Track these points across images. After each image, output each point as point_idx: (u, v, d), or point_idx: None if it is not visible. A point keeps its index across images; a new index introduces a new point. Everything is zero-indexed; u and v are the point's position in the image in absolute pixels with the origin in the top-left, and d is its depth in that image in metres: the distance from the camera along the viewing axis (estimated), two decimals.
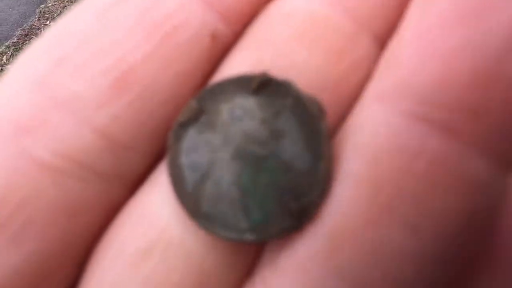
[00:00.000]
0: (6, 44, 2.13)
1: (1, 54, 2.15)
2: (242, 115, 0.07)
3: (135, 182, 0.08)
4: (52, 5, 2.31)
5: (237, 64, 0.08)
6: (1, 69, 2.01)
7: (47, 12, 2.28)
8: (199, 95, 0.08)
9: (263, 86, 0.07)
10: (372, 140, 0.06)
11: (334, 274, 0.06)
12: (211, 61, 0.08)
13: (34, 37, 2.16)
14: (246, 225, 0.07)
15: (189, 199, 0.07)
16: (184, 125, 0.07)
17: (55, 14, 2.24)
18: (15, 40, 2.17)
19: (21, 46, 2.12)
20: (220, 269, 0.07)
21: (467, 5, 0.06)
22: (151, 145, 0.07)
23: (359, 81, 0.07)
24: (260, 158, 0.07)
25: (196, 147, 0.08)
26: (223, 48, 0.08)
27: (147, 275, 0.07)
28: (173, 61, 0.07)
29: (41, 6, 2.30)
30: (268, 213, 0.07)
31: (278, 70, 0.07)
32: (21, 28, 2.23)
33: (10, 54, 2.12)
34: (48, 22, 2.23)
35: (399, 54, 0.07)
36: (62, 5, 2.28)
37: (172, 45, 0.07)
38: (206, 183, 0.07)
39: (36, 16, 2.27)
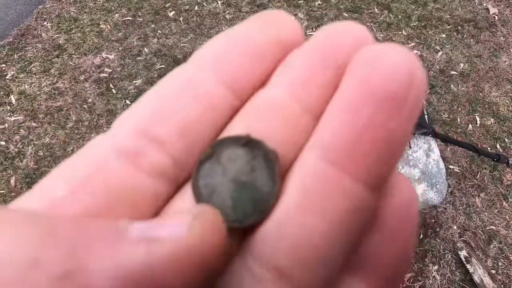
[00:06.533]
0: (1, 43, 2.03)
1: None
2: (235, 158, 0.13)
3: (180, 185, 0.13)
4: (50, 6, 2.24)
5: (235, 128, 0.13)
6: None
7: (45, 13, 2.23)
8: (212, 144, 0.13)
9: (248, 142, 0.13)
10: (302, 172, 0.12)
11: (282, 239, 0.12)
12: (226, 119, 0.14)
13: (30, 37, 2.12)
14: (234, 218, 0.13)
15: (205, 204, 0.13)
16: (202, 162, 0.13)
17: (53, 15, 2.18)
18: (11, 39, 2.09)
19: (17, 45, 2.09)
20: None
21: (351, 104, 0.12)
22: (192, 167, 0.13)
23: (303, 140, 0.13)
24: (244, 182, 0.13)
25: (208, 175, 0.13)
26: (233, 112, 0.14)
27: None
28: (207, 120, 0.13)
29: (39, 6, 2.21)
30: (247, 212, 0.13)
31: (257, 133, 0.13)
32: (17, 28, 2.16)
33: (5, 53, 2.09)
34: (45, 23, 2.19)
35: (320, 126, 0.13)
36: (60, 6, 2.24)
37: (205, 110, 0.13)
38: (213, 195, 0.13)
39: (34, 17, 2.21)
